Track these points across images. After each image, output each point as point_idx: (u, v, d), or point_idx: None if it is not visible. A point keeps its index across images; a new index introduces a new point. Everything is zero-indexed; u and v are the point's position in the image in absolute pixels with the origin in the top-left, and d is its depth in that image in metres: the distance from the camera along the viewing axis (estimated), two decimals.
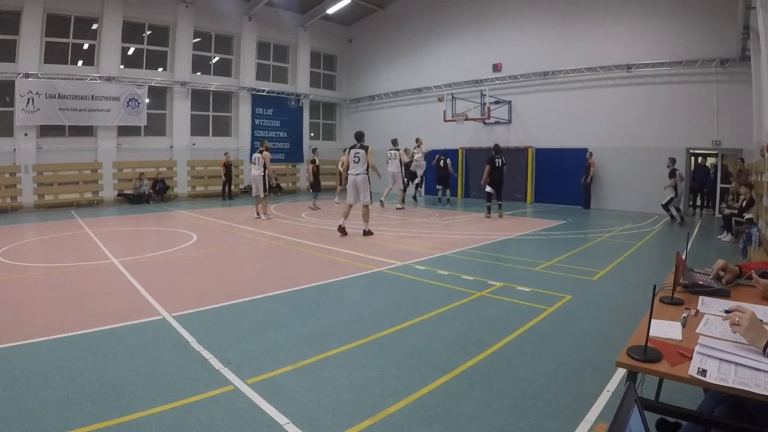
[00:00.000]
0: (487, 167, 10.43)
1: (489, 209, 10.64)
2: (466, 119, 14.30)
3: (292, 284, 4.96)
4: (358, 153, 7.96)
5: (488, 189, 10.54)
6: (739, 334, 1.38)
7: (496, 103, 14.59)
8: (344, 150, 8.83)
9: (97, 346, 3.27)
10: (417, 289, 4.89)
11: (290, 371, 2.88)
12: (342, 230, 7.86)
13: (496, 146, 10.98)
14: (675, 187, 10.39)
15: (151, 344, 3.31)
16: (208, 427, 2.25)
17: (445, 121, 14.74)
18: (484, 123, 14.99)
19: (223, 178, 15.52)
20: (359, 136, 8.14)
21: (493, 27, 15.12)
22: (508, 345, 3.32)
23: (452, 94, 14.90)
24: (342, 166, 10.44)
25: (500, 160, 10.47)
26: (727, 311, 1.52)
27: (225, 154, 15.56)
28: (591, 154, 12.45)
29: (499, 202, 10.67)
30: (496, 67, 15.06)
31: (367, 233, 7.92)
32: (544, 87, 13.99)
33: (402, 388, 2.66)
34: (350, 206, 8.11)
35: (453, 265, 5.81)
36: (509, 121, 14.90)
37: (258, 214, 10.30)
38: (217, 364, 2.95)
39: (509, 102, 14.80)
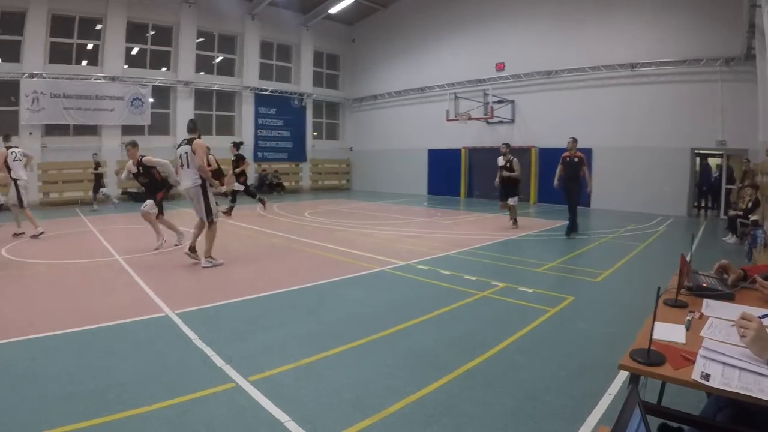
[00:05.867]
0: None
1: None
2: (469, 119, 14.28)
3: (294, 283, 4.96)
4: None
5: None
6: (745, 344, 1.35)
7: (499, 102, 14.56)
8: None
9: (100, 342, 3.29)
10: (419, 288, 4.88)
11: (291, 369, 2.88)
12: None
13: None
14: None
15: (153, 341, 3.32)
16: (209, 423, 2.26)
17: (448, 120, 14.73)
18: (487, 122, 14.98)
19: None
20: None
21: (496, 26, 15.09)
22: (510, 346, 3.30)
23: (455, 93, 14.88)
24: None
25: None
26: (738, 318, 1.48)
27: (94, 154, 12.82)
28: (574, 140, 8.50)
29: None
30: (499, 67, 15.03)
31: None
32: (548, 86, 13.94)
33: (402, 388, 2.65)
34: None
35: (455, 265, 5.80)
36: (512, 121, 14.87)
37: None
38: (219, 362, 2.95)
39: (512, 101, 14.77)
